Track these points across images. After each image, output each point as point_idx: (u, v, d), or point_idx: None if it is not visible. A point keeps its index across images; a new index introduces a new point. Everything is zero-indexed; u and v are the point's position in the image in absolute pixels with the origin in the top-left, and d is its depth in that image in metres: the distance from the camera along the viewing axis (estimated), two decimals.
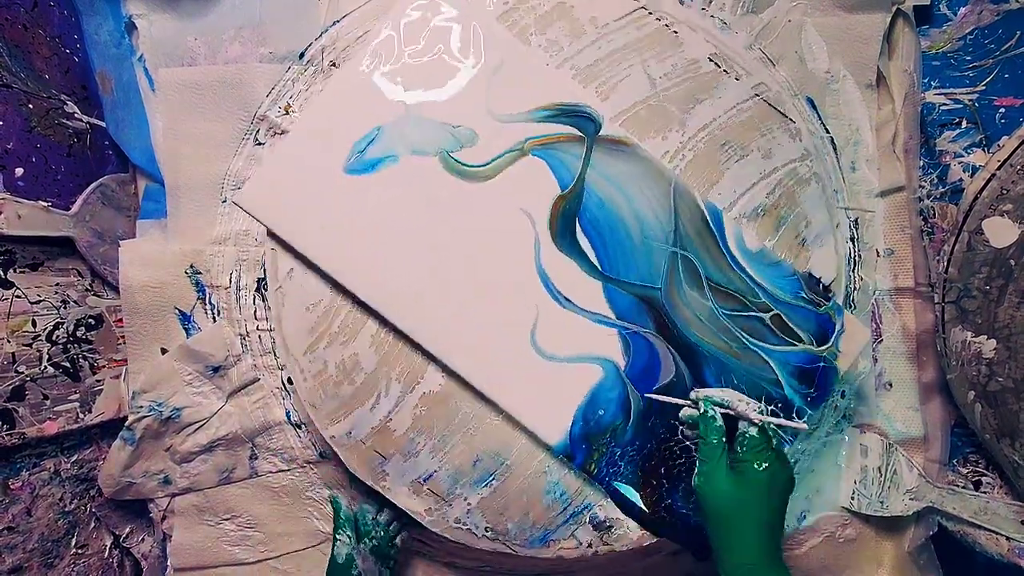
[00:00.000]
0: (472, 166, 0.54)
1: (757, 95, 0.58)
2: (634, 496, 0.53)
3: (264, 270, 0.62)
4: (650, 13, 0.57)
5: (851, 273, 0.64)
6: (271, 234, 0.55)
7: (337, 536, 0.55)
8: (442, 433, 0.55)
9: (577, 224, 0.54)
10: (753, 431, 0.44)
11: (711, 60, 0.58)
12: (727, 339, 0.54)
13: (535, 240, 0.54)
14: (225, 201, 0.64)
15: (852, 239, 0.64)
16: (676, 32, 0.57)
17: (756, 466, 0.43)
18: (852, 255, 0.64)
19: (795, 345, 0.54)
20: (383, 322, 0.55)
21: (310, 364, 0.56)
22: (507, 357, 0.53)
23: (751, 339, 0.54)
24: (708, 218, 0.54)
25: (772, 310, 0.54)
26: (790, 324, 0.54)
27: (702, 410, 0.46)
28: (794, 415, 0.53)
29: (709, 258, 0.54)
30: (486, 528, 0.55)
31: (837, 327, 0.54)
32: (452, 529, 0.55)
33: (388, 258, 0.53)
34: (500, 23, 0.56)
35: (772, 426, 0.45)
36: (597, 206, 0.54)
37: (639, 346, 0.54)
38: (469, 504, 0.55)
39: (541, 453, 0.55)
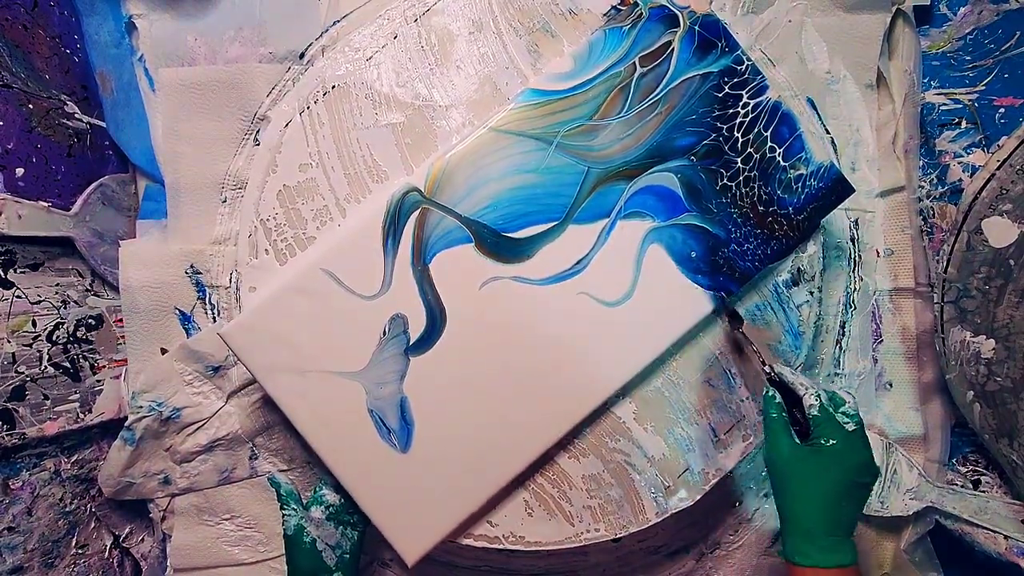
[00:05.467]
0: (426, 344, 0.54)
1: None
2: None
3: None
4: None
5: (851, 273, 0.64)
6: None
7: (284, 512, 0.54)
8: None
9: (506, 236, 0.54)
10: (815, 411, 0.47)
11: None
12: (652, 113, 0.55)
13: (521, 281, 0.54)
14: (225, 201, 0.64)
15: (852, 239, 0.64)
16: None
17: (823, 441, 0.46)
18: (852, 255, 0.65)
19: (664, 54, 0.55)
20: None
21: None
22: (607, 338, 0.55)
23: (652, 94, 0.55)
24: (531, 96, 0.55)
25: (634, 65, 0.55)
26: (650, 52, 0.55)
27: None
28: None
29: (571, 111, 0.55)
30: None
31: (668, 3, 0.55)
32: None
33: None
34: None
35: (832, 408, 0.48)
36: (495, 208, 0.54)
37: (641, 202, 0.55)
38: None
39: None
